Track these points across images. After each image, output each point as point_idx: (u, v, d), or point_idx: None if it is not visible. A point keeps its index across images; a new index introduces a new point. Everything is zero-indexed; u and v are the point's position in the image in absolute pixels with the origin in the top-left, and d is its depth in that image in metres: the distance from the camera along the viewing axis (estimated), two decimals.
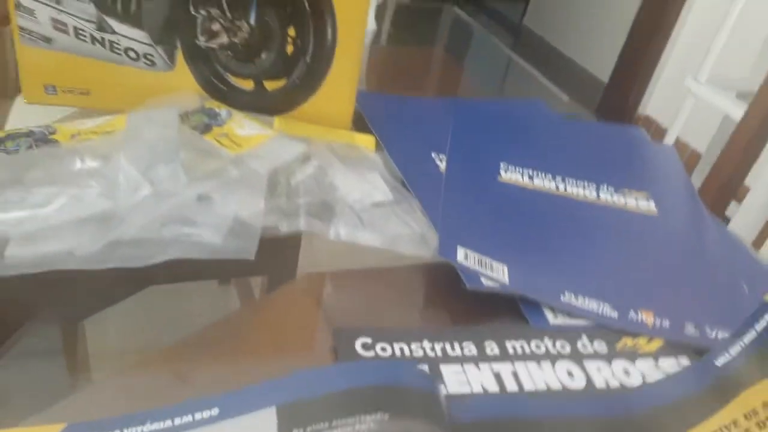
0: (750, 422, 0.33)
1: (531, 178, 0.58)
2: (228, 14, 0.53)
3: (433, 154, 0.58)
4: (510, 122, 0.69)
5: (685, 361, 0.41)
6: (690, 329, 0.43)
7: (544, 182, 0.58)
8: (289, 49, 0.56)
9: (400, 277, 0.45)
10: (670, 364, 0.41)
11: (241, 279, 0.43)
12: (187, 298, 0.41)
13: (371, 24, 0.86)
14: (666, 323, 0.44)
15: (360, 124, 0.60)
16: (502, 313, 0.43)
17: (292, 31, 0.55)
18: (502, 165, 0.59)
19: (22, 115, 0.53)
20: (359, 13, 0.55)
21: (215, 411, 0.31)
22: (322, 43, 0.56)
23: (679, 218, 0.56)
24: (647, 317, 0.44)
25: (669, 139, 2.07)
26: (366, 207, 0.48)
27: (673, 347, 0.42)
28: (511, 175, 0.58)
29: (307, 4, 0.54)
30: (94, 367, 0.36)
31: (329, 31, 0.55)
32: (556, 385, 0.38)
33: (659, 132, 2.40)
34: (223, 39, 0.54)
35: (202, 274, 0.41)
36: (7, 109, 0.54)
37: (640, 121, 2.62)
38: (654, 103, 2.59)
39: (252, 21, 0.54)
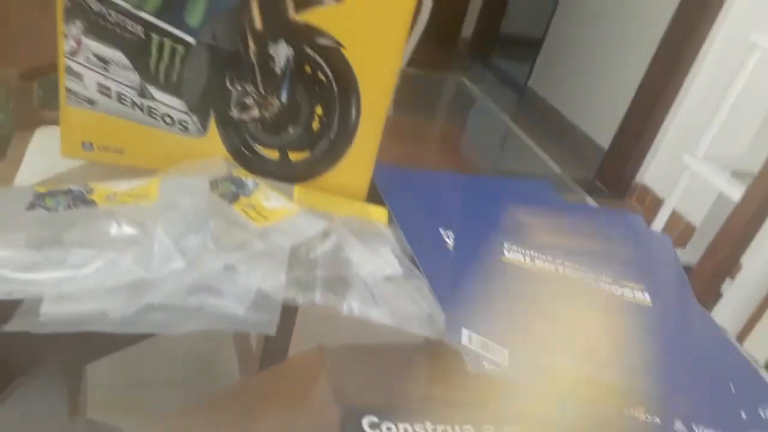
0: None
1: (533, 259, 0.61)
2: (261, 90, 0.57)
3: (441, 231, 0.62)
4: (516, 203, 0.72)
5: None
6: (679, 427, 0.46)
7: (545, 264, 0.61)
8: (315, 125, 0.60)
9: (406, 353, 0.48)
10: None
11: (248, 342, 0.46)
12: (193, 353, 0.43)
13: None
14: (656, 420, 0.46)
15: (372, 192, 0.63)
16: None
17: (319, 109, 0.59)
18: (506, 245, 0.62)
19: (39, 150, 0.56)
20: (383, 94, 0.59)
21: None
22: (346, 122, 0.59)
23: (672, 311, 0.59)
24: (638, 412, 0.46)
25: (665, 211, 2.13)
26: (378, 281, 0.51)
27: None
28: (513, 255, 0.61)
29: (335, 86, 0.58)
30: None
31: (353, 111, 0.59)
32: None
33: (655, 202, 2.45)
34: (255, 113, 0.58)
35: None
36: (27, 140, 0.57)
37: (637, 190, 2.68)
38: (651, 173, 2.65)
39: (283, 98, 0.58)
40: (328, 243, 0.50)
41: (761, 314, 1.40)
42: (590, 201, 0.80)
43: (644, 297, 0.60)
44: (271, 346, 0.46)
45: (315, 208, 0.56)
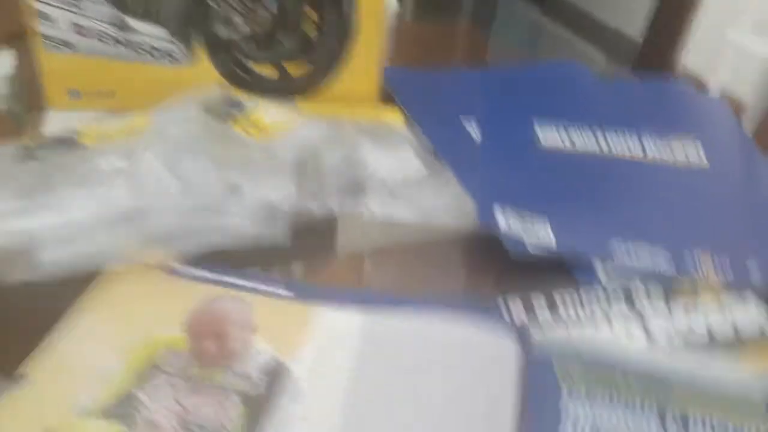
0: None
1: (570, 137, 0.55)
2: (245, 2, 0.53)
3: (464, 122, 0.57)
4: (545, 85, 0.66)
5: (752, 302, 0.39)
6: (754, 267, 0.41)
7: (584, 140, 0.55)
8: (310, 30, 0.55)
9: (439, 251, 0.44)
10: (735, 306, 0.38)
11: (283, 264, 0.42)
12: None
13: (392, 1, 0.84)
14: (726, 262, 0.41)
15: (387, 101, 0.59)
16: (549, 271, 0.41)
17: (311, 12, 0.54)
18: (537, 127, 0.57)
19: (56, 125, 0.53)
20: None
21: None
22: (345, 24, 0.54)
23: (733, 167, 0.53)
24: (705, 259, 0.41)
25: (712, 92, 2.00)
26: (398, 182, 0.47)
27: (736, 288, 0.39)
28: (548, 135, 0.55)
29: None
30: None
31: (351, 11, 0.54)
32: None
33: (699, 85, 2.31)
34: (243, 28, 0.53)
35: (244, 262, 0.40)
36: (41, 121, 0.55)
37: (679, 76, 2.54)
38: (693, 56, 2.49)
39: (269, 6, 0.53)
40: (339, 148, 0.46)
41: None
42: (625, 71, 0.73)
43: (699, 155, 0.54)
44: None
45: (322, 115, 0.52)
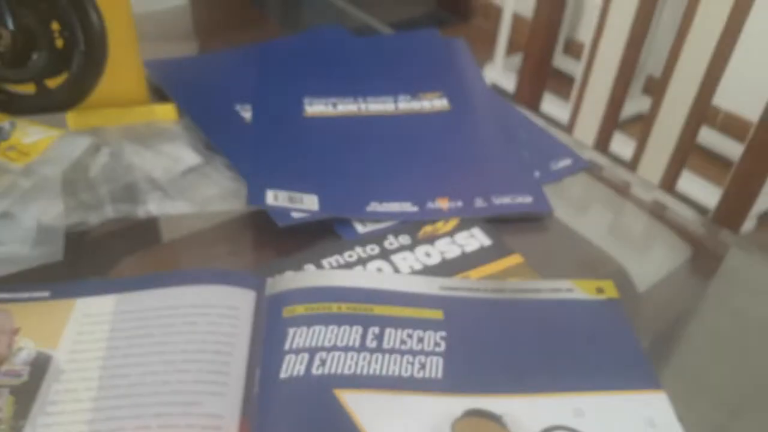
0: None
1: (335, 105, 0.61)
2: None
3: (237, 107, 0.61)
4: (311, 55, 0.71)
5: (477, 232, 0.47)
6: (479, 203, 0.49)
7: (347, 107, 0.61)
8: (59, 42, 0.55)
9: (219, 232, 0.48)
10: (464, 237, 0.47)
11: None
12: None
13: None
14: (459, 203, 0.49)
15: (161, 94, 0.61)
16: (320, 238, 0.48)
17: (55, 25, 0.55)
18: (306, 100, 0.62)
19: None
20: None
21: None
22: (90, 28, 0.55)
23: (469, 108, 0.62)
24: (442, 203, 0.49)
25: (506, 16, 2.17)
26: (175, 177, 0.51)
27: (465, 222, 0.48)
28: (316, 108, 0.61)
29: None
30: None
31: (93, 14, 0.55)
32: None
33: (498, 12, 2.47)
34: None
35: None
36: None
37: (478, 4, 2.70)
38: None
39: (10, 26, 0.53)
40: (103, 156, 0.49)
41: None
42: (386, 30, 0.80)
43: (443, 103, 0.62)
44: None
45: (91, 127, 0.53)
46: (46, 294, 0.40)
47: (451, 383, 0.36)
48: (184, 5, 0.89)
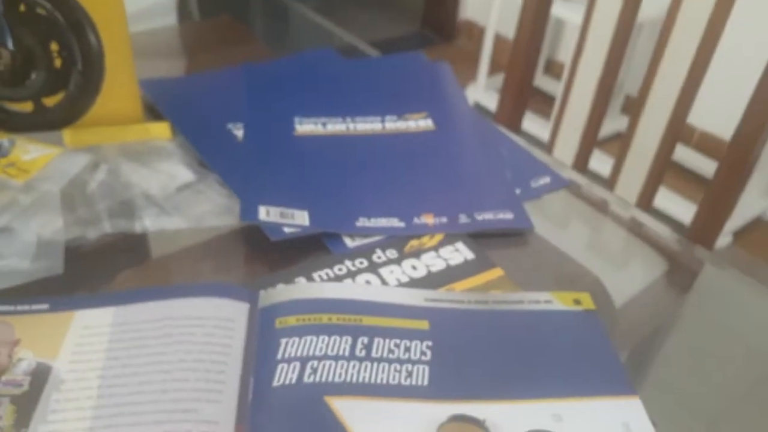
0: None
1: (324, 125, 0.63)
2: None
3: (229, 126, 0.63)
4: (301, 76, 0.73)
5: (461, 246, 0.49)
6: (463, 218, 0.52)
7: (336, 126, 0.63)
8: (57, 62, 0.57)
9: (214, 247, 0.50)
10: (448, 251, 0.49)
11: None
12: None
13: None
14: (443, 219, 0.52)
15: (156, 112, 0.63)
16: (311, 252, 0.49)
17: (54, 45, 0.56)
18: (296, 119, 0.64)
19: None
20: (115, 9, 0.57)
21: None
22: (88, 49, 0.57)
23: (453, 128, 0.64)
24: (428, 219, 0.52)
25: (488, 36, 2.22)
26: (170, 194, 0.52)
27: (450, 237, 0.50)
28: (306, 127, 0.63)
29: (59, 15, 0.55)
30: None
31: (91, 35, 0.57)
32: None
33: (480, 32, 2.52)
34: None
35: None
36: None
37: (463, 27, 2.75)
38: (471, 6, 2.71)
39: (10, 45, 0.55)
40: (101, 173, 0.50)
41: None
42: (371, 50, 0.82)
43: (428, 123, 0.64)
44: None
45: (87, 145, 0.55)
46: (45, 306, 0.42)
47: (436, 390, 0.38)
48: (173, 25, 0.91)
